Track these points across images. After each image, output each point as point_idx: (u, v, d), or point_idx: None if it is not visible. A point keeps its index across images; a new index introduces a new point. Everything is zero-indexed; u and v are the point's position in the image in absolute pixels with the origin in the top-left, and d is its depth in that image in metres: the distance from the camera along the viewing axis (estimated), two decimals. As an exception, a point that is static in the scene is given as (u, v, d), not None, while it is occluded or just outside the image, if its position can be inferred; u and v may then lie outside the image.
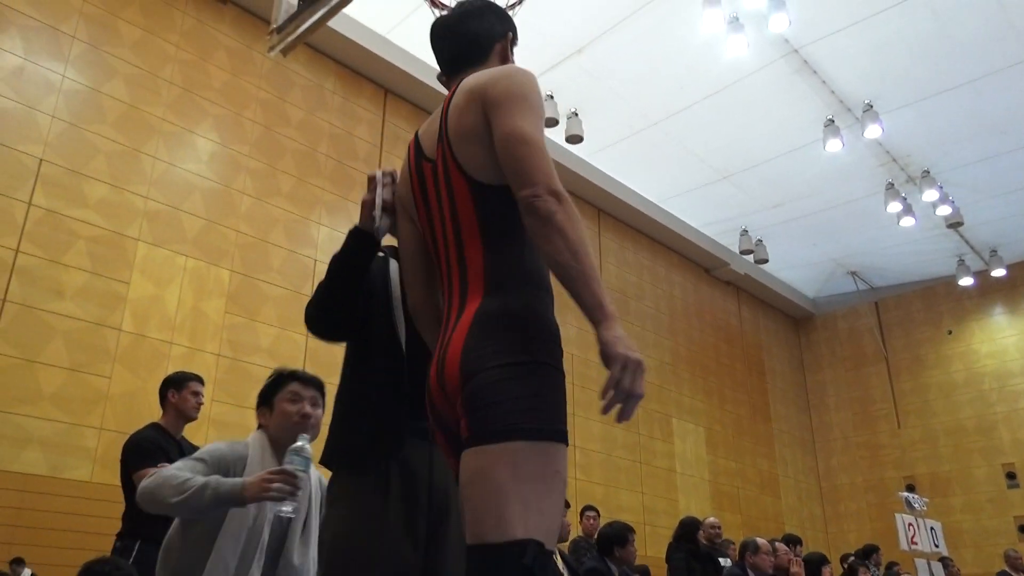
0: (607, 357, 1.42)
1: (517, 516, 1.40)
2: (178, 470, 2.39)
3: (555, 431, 1.47)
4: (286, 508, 2.25)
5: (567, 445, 1.51)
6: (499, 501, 1.42)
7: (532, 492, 1.42)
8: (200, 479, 2.31)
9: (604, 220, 10.73)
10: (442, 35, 1.95)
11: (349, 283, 2.00)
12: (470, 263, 1.69)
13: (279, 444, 2.54)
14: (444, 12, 4.92)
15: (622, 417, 1.42)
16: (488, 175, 1.69)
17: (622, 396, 1.39)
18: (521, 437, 1.44)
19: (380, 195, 1.94)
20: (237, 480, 2.30)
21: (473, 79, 1.76)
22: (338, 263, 1.99)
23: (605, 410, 1.41)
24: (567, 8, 7.48)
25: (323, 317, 2.03)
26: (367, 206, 1.94)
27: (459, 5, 1.98)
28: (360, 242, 1.97)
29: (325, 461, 2.01)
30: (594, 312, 1.47)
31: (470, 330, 1.58)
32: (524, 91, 1.69)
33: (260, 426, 2.63)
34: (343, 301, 2.00)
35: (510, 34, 1.95)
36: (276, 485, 2.21)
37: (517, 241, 1.65)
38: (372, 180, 1.96)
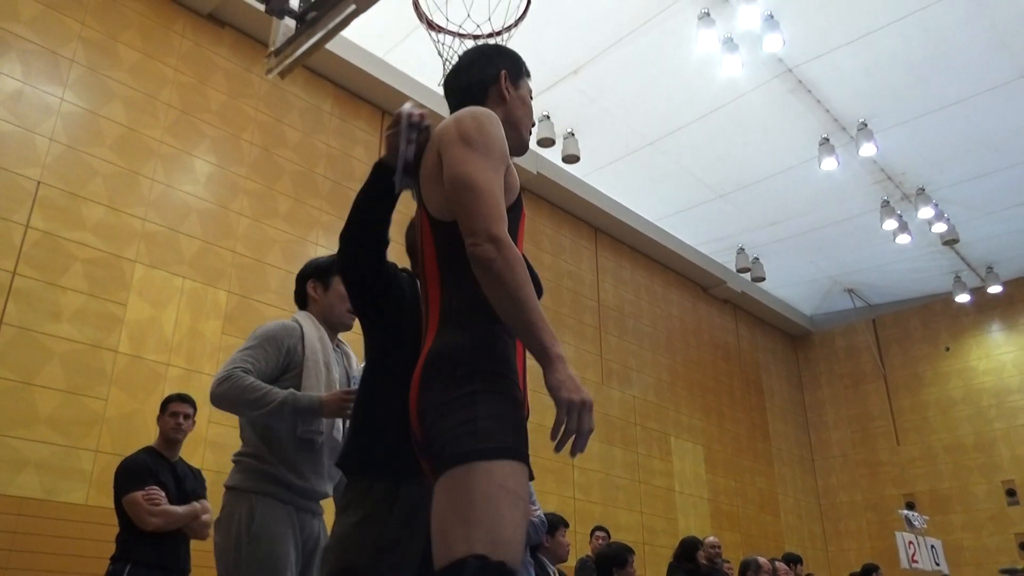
0: (554, 401, 1.49)
1: (459, 537, 1.44)
2: (247, 373, 2.53)
3: (495, 449, 1.50)
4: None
5: (518, 460, 1.53)
6: (444, 527, 1.48)
7: (474, 511, 1.45)
8: (279, 394, 2.47)
9: (601, 239, 10.75)
10: (446, 95, 2.04)
11: (372, 209, 2.00)
12: (431, 300, 1.77)
13: (327, 324, 2.73)
14: (441, 35, 4.95)
15: (574, 451, 1.51)
16: (442, 212, 1.76)
17: (569, 436, 1.48)
18: (457, 462, 1.50)
19: (404, 145, 1.93)
20: (315, 396, 2.48)
21: (440, 124, 1.85)
22: (360, 194, 2.02)
23: (557, 448, 1.50)
24: (563, 29, 7.54)
25: (349, 237, 2.03)
26: (391, 141, 1.95)
27: (455, 64, 2.06)
28: (380, 175, 1.98)
29: (342, 465, 2.05)
30: (540, 357, 1.53)
31: (422, 372, 1.66)
32: (470, 132, 1.73)
33: (305, 300, 2.74)
34: (369, 224, 2.01)
35: (504, 72, 1.99)
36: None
37: (470, 274, 1.67)
38: (398, 117, 1.94)
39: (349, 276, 2.08)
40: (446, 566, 1.43)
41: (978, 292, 12.47)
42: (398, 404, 1.92)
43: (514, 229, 1.75)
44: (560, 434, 1.49)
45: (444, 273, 1.75)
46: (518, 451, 1.54)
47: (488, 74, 1.98)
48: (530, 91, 2.08)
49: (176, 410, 4.15)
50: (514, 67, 2.03)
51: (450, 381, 1.59)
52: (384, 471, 1.96)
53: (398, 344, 2.02)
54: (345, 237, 2.02)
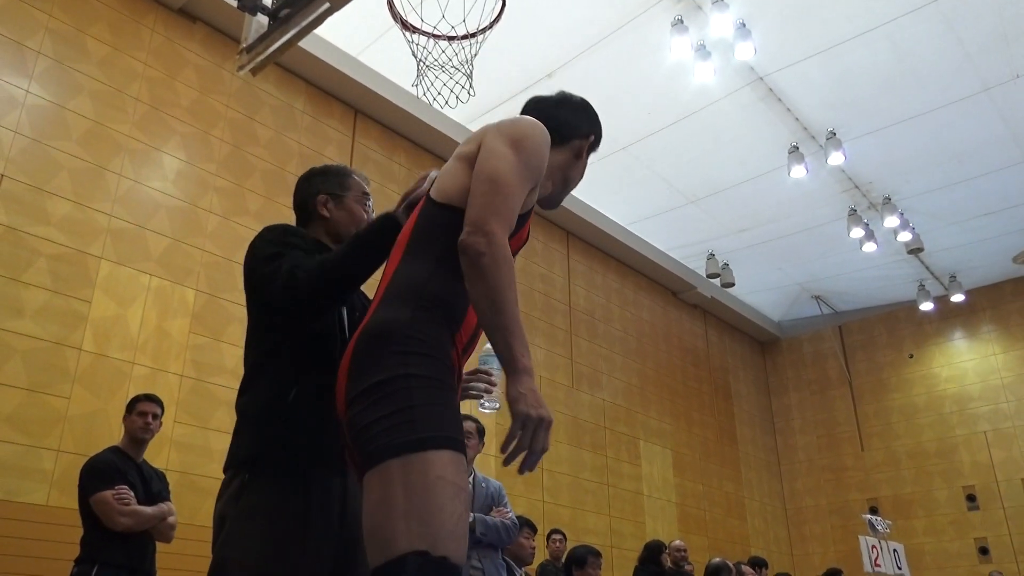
0: (511, 413, 1.47)
1: (399, 532, 1.39)
2: None
3: (429, 439, 1.46)
4: (489, 404, 2.39)
5: (455, 450, 1.49)
6: (382, 523, 1.43)
7: (412, 504, 1.41)
8: None
9: (573, 243, 10.79)
10: (529, 107, 1.98)
11: (372, 270, 1.89)
12: (384, 275, 1.74)
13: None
14: (415, 35, 4.94)
15: (523, 468, 1.47)
16: (442, 194, 1.75)
17: (520, 451, 1.46)
18: (391, 455, 1.45)
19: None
20: None
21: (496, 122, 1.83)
22: (371, 246, 1.87)
23: (505, 462, 1.48)
24: (538, 33, 7.56)
25: (337, 298, 1.89)
26: (406, 197, 1.91)
27: (561, 93, 2.03)
28: (390, 227, 1.88)
29: (244, 462, 1.84)
30: (506, 365, 1.50)
31: (353, 352, 1.61)
32: (521, 137, 1.72)
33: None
34: (358, 286, 1.92)
35: (592, 137, 1.99)
36: (479, 384, 2.26)
37: (432, 257, 1.65)
38: (424, 178, 1.92)
39: (321, 315, 1.93)
40: (385, 563, 1.38)
41: (941, 301, 12.69)
42: (324, 401, 1.81)
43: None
44: (511, 448, 1.46)
45: (408, 249, 1.72)
46: (455, 440, 1.50)
47: (583, 128, 1.98)
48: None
49: (144, 410, 4.10)
50: (599, 140, 2.03)
51: (379, 363, 1.54)
52: (299, 473, 1.80)
53: (324, 339, 1.92)
54: (345, 284, 1.87)
